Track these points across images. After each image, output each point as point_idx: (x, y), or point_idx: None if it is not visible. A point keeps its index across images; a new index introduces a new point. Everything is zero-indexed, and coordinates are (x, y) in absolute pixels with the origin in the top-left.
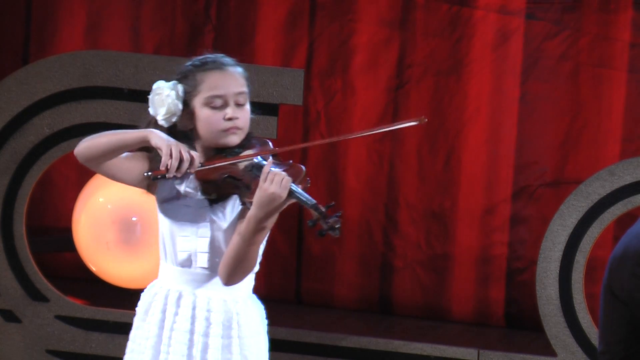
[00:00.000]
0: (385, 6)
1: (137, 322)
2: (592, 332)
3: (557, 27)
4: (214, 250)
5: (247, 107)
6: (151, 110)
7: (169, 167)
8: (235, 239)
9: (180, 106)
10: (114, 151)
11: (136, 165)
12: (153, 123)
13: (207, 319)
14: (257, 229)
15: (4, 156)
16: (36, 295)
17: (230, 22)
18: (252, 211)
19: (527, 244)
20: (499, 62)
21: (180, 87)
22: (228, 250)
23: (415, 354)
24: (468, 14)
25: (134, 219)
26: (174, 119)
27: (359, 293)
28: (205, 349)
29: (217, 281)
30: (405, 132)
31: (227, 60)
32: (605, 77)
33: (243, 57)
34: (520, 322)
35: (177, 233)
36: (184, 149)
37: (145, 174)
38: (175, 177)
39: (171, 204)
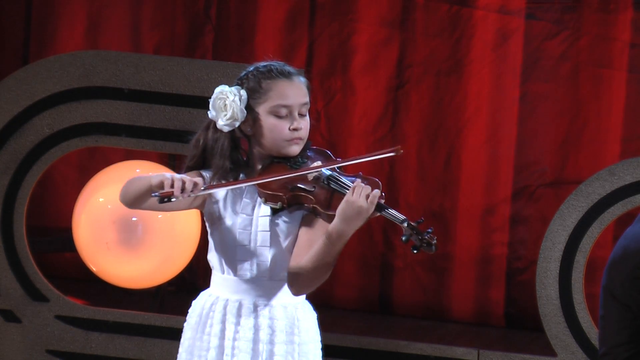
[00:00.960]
0: (385, 6)
1: (190, 332)
2: (592, 332)
3: (557, 27)
4: (274, 258)
5: (308, 117)
6: (211, 114)
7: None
8: (313, 252)
9: (244, 112)
10: (139, 198)
11: None
12: (212, 127)
13: (271, 327)
14: (339, 242)
15: (4, 156)
16: (36, 295)
17: (230, 22)
18: (335, 225)
19: (527, 244)
20: (499, 62)
21: (244, 93)
22: (304, 263)
23: (415, 354)
24: (468, 14)
25: (134, 219)
26: (235, 124)
27: (359, 293)
28: (270, 356)
29: (277, 288)
30: (405, 132)
31: (292, 69)
32: (605, 77)
33: (243, 57)
34: (520, 322)
35: (237, 243)
36: (186, 177)
37: (153, 194)
38: (181, 197)
39: (228, 216)
